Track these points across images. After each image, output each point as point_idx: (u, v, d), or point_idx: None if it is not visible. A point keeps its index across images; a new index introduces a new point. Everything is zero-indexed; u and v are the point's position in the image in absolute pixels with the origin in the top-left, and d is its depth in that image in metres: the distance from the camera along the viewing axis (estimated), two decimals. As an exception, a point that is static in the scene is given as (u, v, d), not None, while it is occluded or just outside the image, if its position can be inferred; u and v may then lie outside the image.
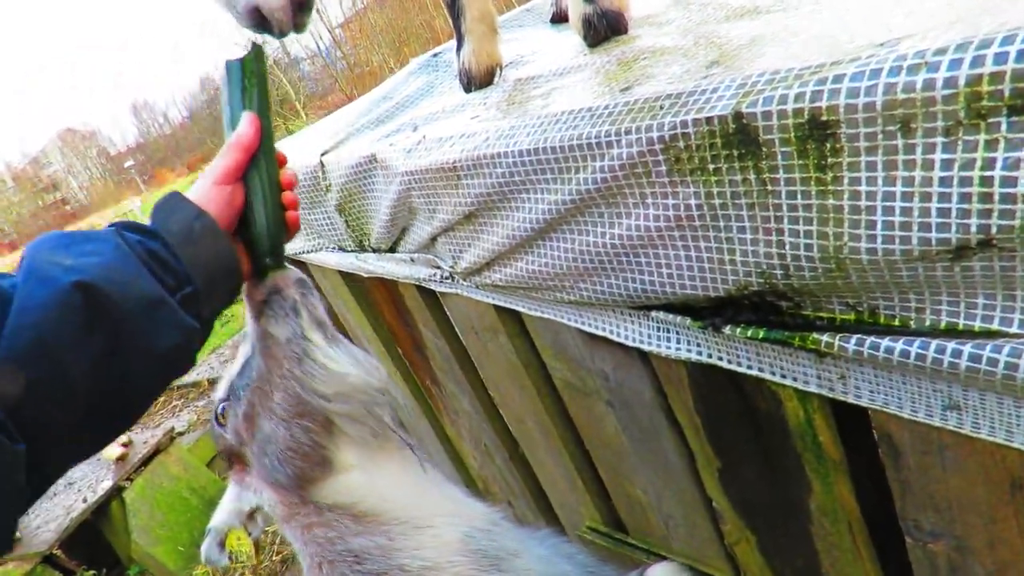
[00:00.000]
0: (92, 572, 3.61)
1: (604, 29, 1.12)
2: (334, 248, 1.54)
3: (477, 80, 1.26)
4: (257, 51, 0.98)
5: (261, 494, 0.97)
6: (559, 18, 1.64)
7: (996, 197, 0.55)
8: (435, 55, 1.77)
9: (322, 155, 1.38)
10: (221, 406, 0.97)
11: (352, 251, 1.48)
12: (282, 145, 2.09)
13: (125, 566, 3.84)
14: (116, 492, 3.68)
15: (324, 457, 0.92)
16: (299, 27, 0.95)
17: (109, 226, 0.80)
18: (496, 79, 1.28)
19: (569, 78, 1.06)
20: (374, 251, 1.41)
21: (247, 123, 0.92)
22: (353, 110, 1.83)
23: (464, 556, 0.89)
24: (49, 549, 3.43)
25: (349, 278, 1.66)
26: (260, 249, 0.93)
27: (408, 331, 1.63)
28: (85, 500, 3.57)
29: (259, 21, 0.93)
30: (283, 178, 0.97)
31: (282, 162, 0.98)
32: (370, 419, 0.95)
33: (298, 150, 1.61)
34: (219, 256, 0.83)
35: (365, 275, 1.50)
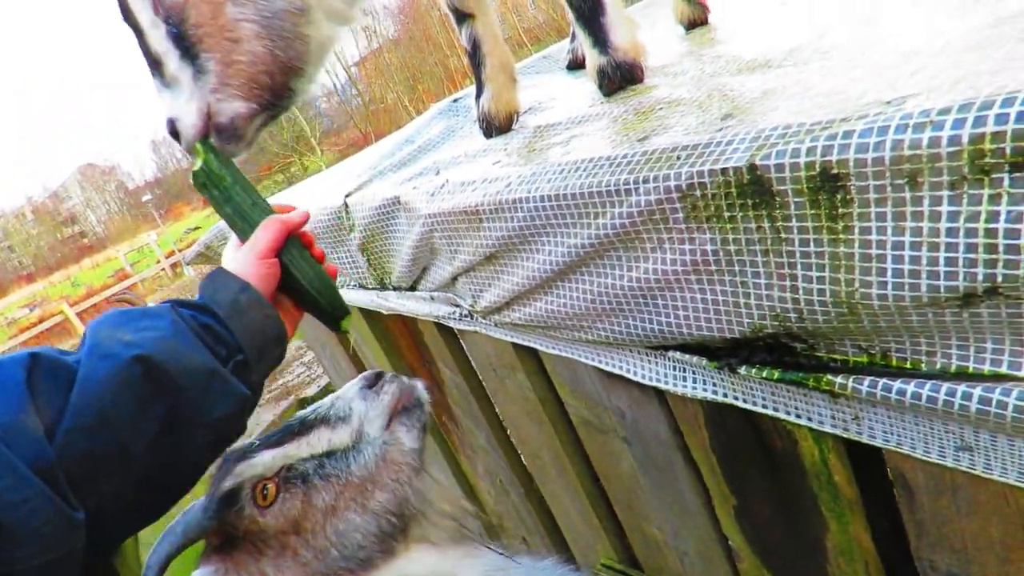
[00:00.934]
0: (102, 606, 3.60)
1: (619, 80, 1.17)
2: (355, 285, 1.58)
3: (497, 126, 1.31)
4: (208, 146, 1.03)
5: None
6: (575, 64, 1.70)
7: (1001, 248, 0.58)
8: (455, 100, 1.82)
9: (346, 196, 1.42)
10: (267, 484, 0.88)
11: (373, 288, 1.52)
12: (307, 185, 2.15)
13: (135, 600, 3.83)
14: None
15: (393, 549, 0.91)
16: (225, 149, 1.03)
17: (164, 303, 0.85)
18: (514, 125, 1.32)
19: (588, 126, 1.10)
20: (395, 289, 1.44)
21: (275, 220, 0.98)
22: (375, 152, 1.88)
23: None
24: (61, 583, 3.42)
25: (369, 315, 1.70)
26: (323, 307, 1.00)
27: (426, 367, 1.66)
28: (98, 533, 3.57)
29: (173, 132, 1.01)
30: (309, 237, 1.02)
31: (302, 222, 1.01)
32: (457, 529, 0.96)
33: (322, 191, 1.66)
34: (266, 324, 0.88)
35: (385, 312, 1.53)
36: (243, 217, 1.01)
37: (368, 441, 0.91)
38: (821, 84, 0.80)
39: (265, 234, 0.95)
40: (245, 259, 0.94)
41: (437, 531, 0.94)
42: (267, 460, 0.89)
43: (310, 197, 1.69)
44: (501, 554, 0.99)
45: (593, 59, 1.18)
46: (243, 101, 1.00)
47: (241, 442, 0.94)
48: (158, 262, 22.33)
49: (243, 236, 1.00)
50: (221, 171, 1.02)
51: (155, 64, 0.99)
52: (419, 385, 0.98)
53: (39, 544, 0.61)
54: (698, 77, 1.08)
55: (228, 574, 0.86)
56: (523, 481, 1.63)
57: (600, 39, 1.16)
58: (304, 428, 0.93)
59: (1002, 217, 0.57)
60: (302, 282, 0.97)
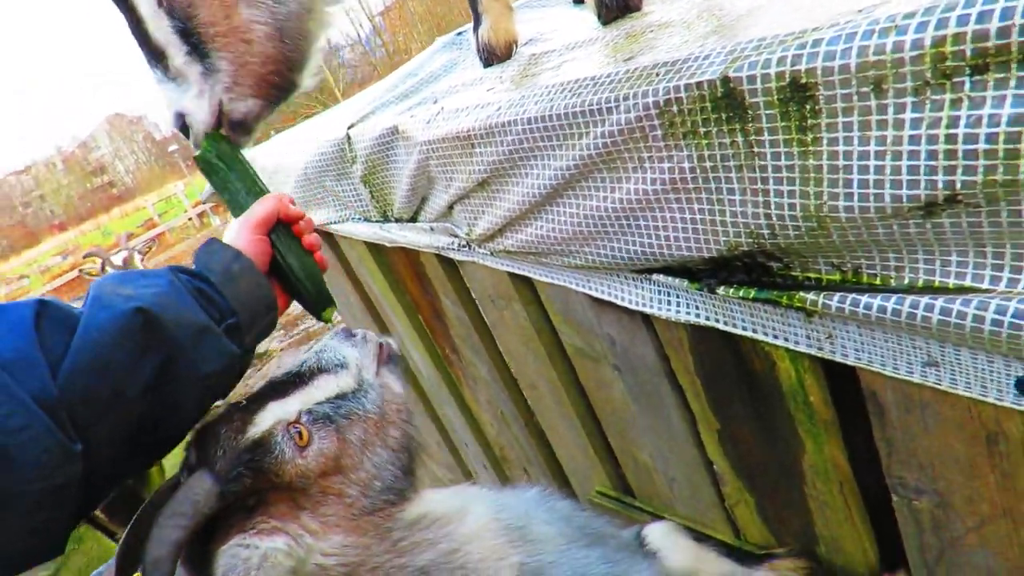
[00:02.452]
0: (132, 534, 3.78)
1: (616, 8, 1.16)
2: (360, 219, 1.61)
3: (496, 55, 1.31)
4: (217, 136, 1.06)
5: (316, 543, 0.83)
6: (581, -2, 1.68)
7: (960, 154, 0.58)
8: (459, 34, 1.82)
9: (348, 128, 1.44)
10: (294, 428, 0.86)
11: (376, 221, 1.55)
12: (313, 122, 2.17)
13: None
14: (160, 468, 3.83)
15: (414, 484, 0.95)
16: (238, 143, 1.08)
17: (162, 267, 0.90)
18: (513, 54, 1.32)
19: (580, 51, 1.10)
20: (396, 221, 1.47)
21: (273, 198, 1.02)
22: (380, 86, 1.89)
23: (501, 536, 0.93)
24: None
25: (374, 249, 1.73)
26: (308, 295, 1.03)
27: (429, 300, 1.70)
28: (126, 465, 3.73)
29: (182, 126, 1.04)
30: (300, 227, 1.04)
31: (299, 215, 1.04)
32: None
33: (327, 126, 1.67)
34: (258, 292, 0.93)
35: (389, 245, 1.56)
36: (238, 203, 1.07)
37: (367, 385, 0.95)
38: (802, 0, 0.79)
39: (259, 209, 1.00)
40: (238, 230, 0.99)
41: (431, 471, 0.98)
42: (288, 406, 0.88)
43: (316, 132, 1.70)
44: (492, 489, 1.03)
45: None
46: (255, 99, 1.03)
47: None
48: (185, 211, 22.61)
49: (236, 214, 1.06)
50: (221, 159, 1.06)
51: (155, 55, 1.01)
52: (392, 341, 1.04)
53: (37, 471, 0.65)
54: (691, 0, 1.07)
55: (281, 535, 0.81)
56: (523, 412, 1.67)
57: None
58: (304, 377, 0.94)
59: (962, 122, 0.57)
60: (285, 266, 1.01)
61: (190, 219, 21.90)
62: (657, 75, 0.79)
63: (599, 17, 1.21)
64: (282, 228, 1.02)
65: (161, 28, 0.99)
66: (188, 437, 0.87)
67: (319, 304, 1.06)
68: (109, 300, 0.78)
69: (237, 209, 1.06)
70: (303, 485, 0.84)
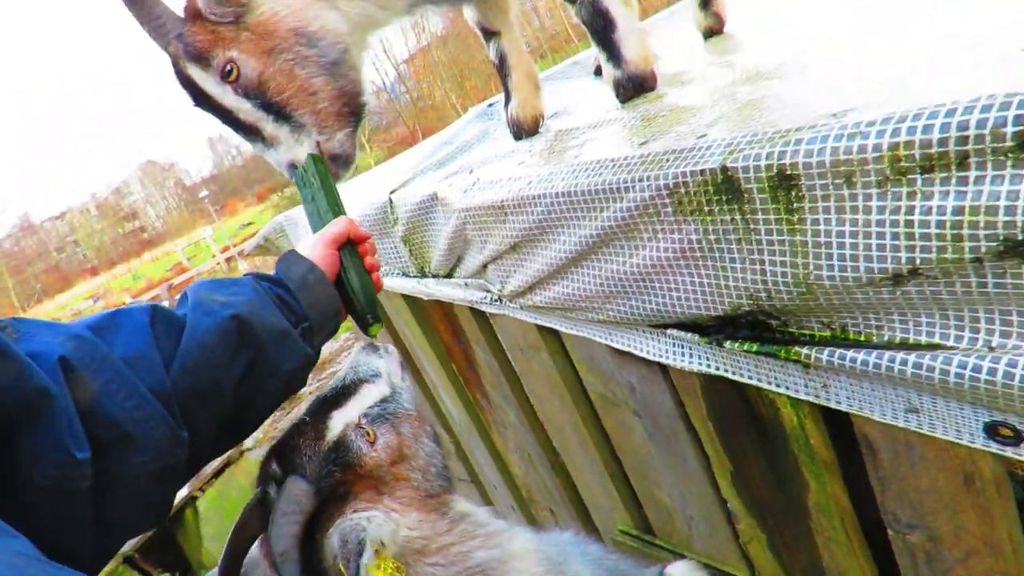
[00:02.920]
0: (167, 575, 3.88)
1: (632, 90, 1.31)
2: (399, 274, 1.75)
3: (525, 129, 1.46)
4: (316, 160, 1.25)
5: (401, 518, 0.95)
6: (601, 71, 1.84)
7: (917, 236, 0.70)
8: (490, 105, 1.98)
9: (391, 193, 1.59)
10: (361, 430, 1.01)
11: (414, 276, 1.69)
12: (355, 183, 2.34)
13: (196, 571, 4.11)
14: (190, 501, 3.96)
15: (450, 474, 1.09)
16: (343, 171, 1.29)
17: (245, 275, 1.04)
18: (540, 127, 1.47)
19: (601, 131, 1.25)
20: (433, 277, 1.61)
21: (346, 220, 1.17)
22: (418, 153, 2.06)
23: (543, 565, 1.03)
24: (130, 551, 3.72)
25: (411, 301, 1.87)
26: (361, 309, 1.15)
27: (462, 349, 1.82)
28: (163, 506, 3.86)
29: (294, 168, 1.25)
30: (363, 248, 1.19)
31: (366, 237, 1.19)
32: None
33: (370, 188, 1.83)
34: (328, 300, 1.07)
35: (425, 298, 1.70)
36: (320, 216, 1.22)
37: (399, 387, 1.09)
38: (792, 97, 0.93)
39: (334, 228, 1.14)
40: (314, 244, 1.13)
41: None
42: (348, 413, 1.04)
43: (359, 194, 1.86)
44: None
45: (609, 72, 1.32)
46: (341, 131, 1.25)
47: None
48: (213, 256, 23.16)
49: (315, 230, 1.21)
50: (316, 177, 1.23)
51: (251, 132, 1.22)
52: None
53: (155, 453, 0.78)
54: (701, 86, 1.21)
55: (376, 510, 0.94)
56: (549, 455, 1.78)
57: (614, 54, 1.29)
58: (350, 389, 1.10)
59: (916, 210, 0.70)
60: (347, 280, 1.14)
61: (218, 264, 22.43)
62: (667, 161, 0.92)
63: (617, 97, 1.36)
64: (350, 247, 1.15)
65: (245, 110, 1.20)
66: (263, 457, 1.02)
67: (368, 319, 1.17)
68: (208, 307, 0.92)
69: (317, 222, 1.22)
70: (380, 474, 0.98)
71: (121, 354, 0.81)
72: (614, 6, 1.27)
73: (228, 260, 21.98)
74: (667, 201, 0.93)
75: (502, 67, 1.46)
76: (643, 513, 1.59)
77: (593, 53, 1.93)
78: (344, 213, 1.24)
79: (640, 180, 0.94)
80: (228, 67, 1.16)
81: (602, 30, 1.27)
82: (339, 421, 1.01)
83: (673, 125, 1.07)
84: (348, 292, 1.14)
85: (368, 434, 1.00)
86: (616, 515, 1.68)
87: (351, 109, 1.26)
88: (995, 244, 0.65)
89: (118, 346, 0.82)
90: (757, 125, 0.88)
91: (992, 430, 0.80)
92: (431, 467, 1.03)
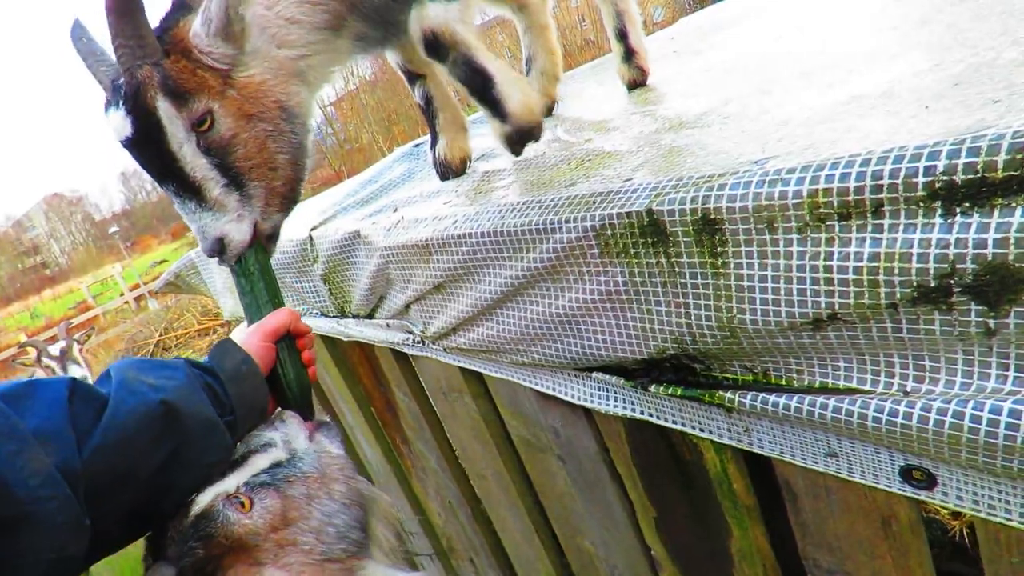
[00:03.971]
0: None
1: (521, 142, 1.32)
2: (317, 313, 1.68)
3: (452, 170, 1.44)
4: (260, 247, 1.21)
5: None
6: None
7: (835, 281, 0.71)
8: (416, 145, 1.97)
9: (311, 230, 1.54)
10: (235, 499, 0.92)
11: (334, 316, 1.63)
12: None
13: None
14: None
15: (371, 536, 1.01)
16: (269, 251, 1.24)
17: (177, 359, 0.99)
18: (468, 168, 1.46)
19: (528, 173, 1.24)
20: (354, 317, 1.55)
21: (287, 312, 1.15)
22: (341, 190, 2.01)
23: None
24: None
25: (329, 342, 1.80)
26: (294, 403, 1.12)
27: (381, 392, 1.76)
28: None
29: (219, 249, 1.16)
30: (302, 341, 1.16)
31: (305, 331, 1.16)
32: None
33: (289, 224, 1.77)
34: (256, 394, 1.03)
35: (344, 339, 1.64)
36: (259, 306, 1.18)
37: (301, 452, 1.02)
38: (714, 144, 0.95)
39: (274, 320, 1.12)
40: (251, 333, 1.10)
41: (386, 540, 1.04)
42: (226, 484, 0.94)
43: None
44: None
45: (496, 127, 1.32)
46: (280, 213, 1.21)
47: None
48: (122, 294, 22.01)
49: (251, 320, 1.18)
50: (255, 266, 1.19)
51: (188, 190, 1.12)
52: (325, 418, 1.12)
53: (54, 540, 0.70)
54: (626, 133, 1.23)
55: None
56: (470, 502, 1.72)
57: (497, 110, 1.28)
58: (236, 462, 0.99)
59: (835, 256, 0.71)
60: (282, 375, 1.11)
61: (127, 303, 21.30)
62: (594, 202, 0.92)
63: (508, 150, 1.35)
64: (288, 340, 1.13)
65: (199, 166, 1.11)
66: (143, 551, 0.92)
67: (301, 413, 1.13)
68: (135, 387, 0.86)
69: (255, 314, 1.18)
70: (256, 542, 0.88)
71: (33, 426, 0.75)
72: (488, 62, 1.28)
73: (138, 299, 20.91)
74: (594, 243, 0.92)
75: (428, 108, 1.44)
76: (565, 561, 1.55)
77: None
78: (283, 304, 1.22)
79: (567, 221, 0.94)
80: (204, 116, 1.09)
81: (481, 87, 1.27)
82: (211, 493, 0.92)
83: (599, 169, 1.08)
84: (283, 386, 1.11)
85: (243, 503, 0.91)
86: (539, 564, 1.63)
87: (294, 195, 1.23)
88: (909, 291, 0.67)
89: (30, 418, 0.76)
90: (682, 170, 0.89)
91: (907, 474, 0.81)
92: (329, 528, 0.94)
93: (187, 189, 1.12)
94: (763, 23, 1.90)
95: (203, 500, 0.92)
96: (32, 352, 5.68)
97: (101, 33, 1.13)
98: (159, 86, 1.05)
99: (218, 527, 0.88)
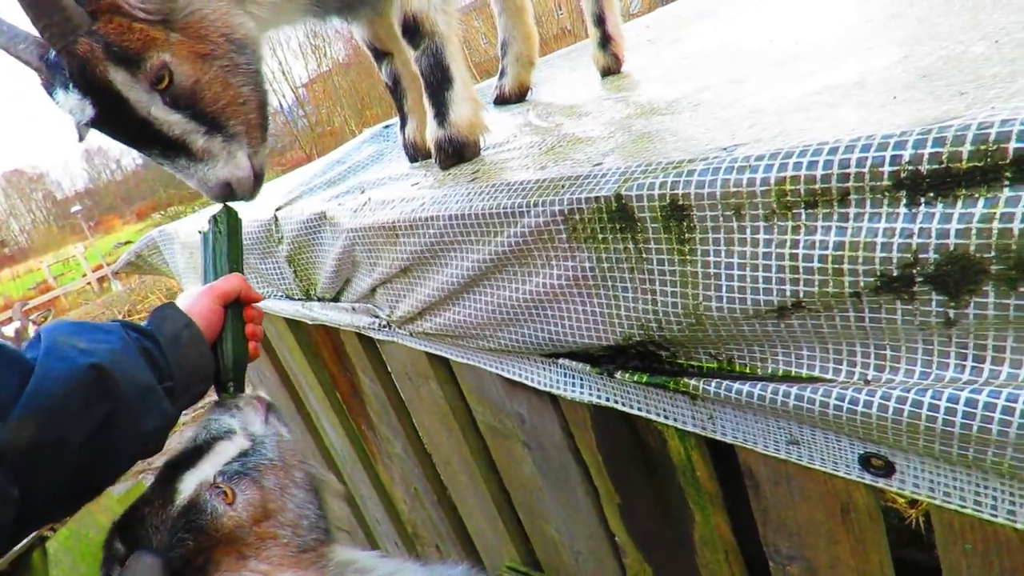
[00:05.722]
0: (6, 627, 3.47)
1: (452, 154, 1.28)
2: (282, 296, 1.65)
3: (421, 152, 1.42)
4: (235, 216, 1.20)
5: None
6: (501, 100, 1.84)
7: (801, 269, 0.71)
8: (386, 127, 1.94)
9: (276, 210, 1.51)
10: (218, 490, 0.91)
11: (299, 299, 1.60)
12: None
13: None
14: (39, 542, 3.57)
15: (330, 520, 1.01)
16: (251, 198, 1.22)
17: (113, 321, 0.94)
18: (437, 152, 1.44)
19: (500, 155, 1.23)
20: (319, 300, 1.53)
21: (239, 278, 1.13)
22: (308, 171, 1.97)
23: None
24: (-38, 601, 3.30)
25: (294, 325, 1.77)
26: (225, 375, 1.09)
27: (347, 376, 1.74)
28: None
29: (228, 193, 1.16)
30: (251, 312, 1.13)
31: (256, 299, 1.14)
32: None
33: (254, 205, 1.73)
34: (200, 360, 1.00)
35: (310, 322, 1.61)
36: (215, 268, 1.16)
37: (260, 437, 1.00)
38: (685, 131, 0.94)
39: (225, 283, 1.09)
40: (201, 295, 1.06)
41: (341, 512, 1.03)
42: (203, 472, 0.94)
43: (242, 210, 1.76)
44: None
45: (432, 130, 1.29)
46: (263, 144, 1.18)
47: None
48: (84, 275, 21.51)
49: (206, 280, 1.15)
50: (223, 228, 1.17)
51: (174, 149, 1.09)
52: (263, 393, 1.12)
53: None
54: (597, 119, 1.22)
55: None
56: (436, 488, 1.71)
57: (441, 112, 1.26)
58: (203, 448, 0.98)
59: (801, 244, 0.71)
60: (221, 340, 1.08)
61: (89, 283, 20.84)
62: (563, 187, 0.91)
63: (437, 161, 1.32)
64: (235, 307, 1.10)
65: (174, 123, 1.07)
66: (106, 536, 0.89)
67: (231, 386, 1.11)
68: (64, 351, 0.82)
69: (211, 275, 1.14)
70: (242, 535, 0.88)
71: None
72: (456, 65, 1.26)
73: (100, 280, 20.47)
74: (562, 227, 0.91)
75: (395, 89, 1.42)
76: (531, 548, 1.55)
77: (493, 83, 1.93)
78: (241, 270, 1.19)
79: (535, 205, 0.93)
80: (161, 73, 1.03)
81: (437, 85, 1.25)
82: (191, 482, 0.90)
83: (570, 153, 1.07)
84: (217, 353, 1.08)
85: (226, 493, 0.90)
86: (503, 550, 1.63)
87: (265, 122, 1.20)
88: (872, 280, 0.67)
89: None
90: (651, 156, 0.89)
91: (866, 461, 0.82)
92: (303, 519, 0.94)
93: (171, 149, 1.09)
94: (740, 14, 1.90)
95: (186, 489, 0.91)
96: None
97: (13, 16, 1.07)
98: (104, 56, 1.00)
99: (208, 519, 0.87)
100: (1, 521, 0.72)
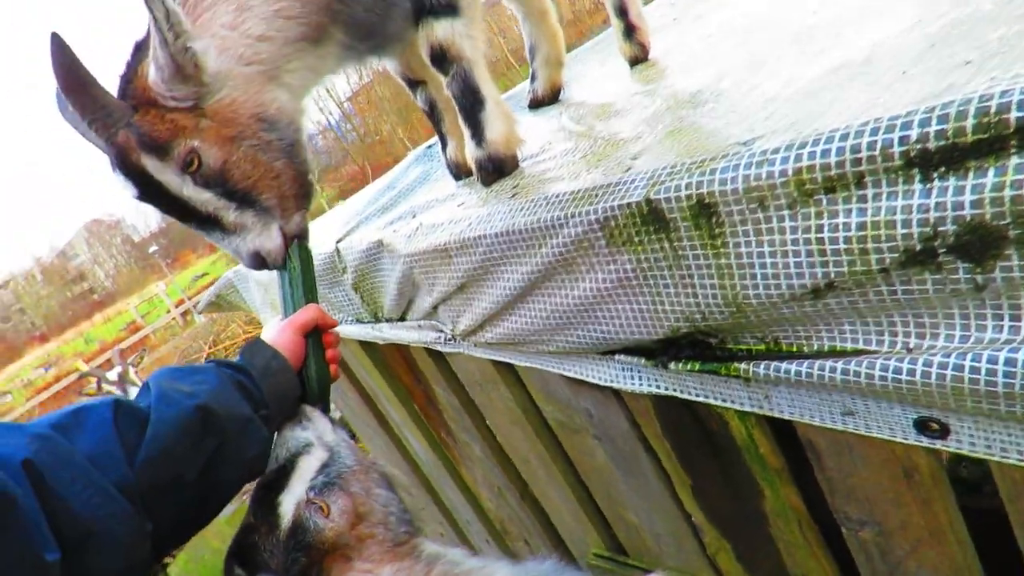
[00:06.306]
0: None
1: (492, 171, 1.34)
2: (353, 320, 1.75)
3: (464, 171, 1.49)
4: (307, 252, 1.28)
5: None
6: (535, 103, 1.89)
7: (828, 252, 0.75)
8: (429, 147, 2.02)
9: (337, 242, 1.61)
10: (314, 505, 0.98)
11: (368, 322, 1.70)
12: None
13: (171, 640, 3.97)
14: (162, 568, 3.85)
15: (411, 517, 1.08)
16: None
17: (208, 362, 1.06)
18: (479, 168, 1.50)
19: (538, 166, 1.28)
20: (387, 321, 1.62)
21: (316, 308, 1.22)
22: (362, 198, 2.07)
23: None
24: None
25: (367, 346, 1.87)
26: (312, 398, 1.18)
27: (421, 389, 1.83)
28: (132, 576, 3.75)
29: (260, 262, 1.23)
30: (329, 338, 1.22)
31: (332, 324, 1.23)
32: None
33: (317, 236, 1.84)
34: (288, 387, 1.10)
35: (381, 342, 1.71)
36: (293, 301, 1.25)
37: (335, 445, 1.08)
38: (707, 125, 0.98)
39: (304, 314, 1.19)
40: (282, 328, 1.17)
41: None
42: (297, 491, 1.01)
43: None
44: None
45: (471, 150, 1.35)
46: (299, 211, 1.25)
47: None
48: (168, 311, 22.62)
49: (286, 314, 1.24)
50: (295, 265, 1.26)
51: (209, 223, 1.18)
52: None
53: (119, 551, 0.78)
54: (625, 118, 1.26)
55: None
56: (518, 485, 1.79)
57: (477, 132, 1.32)
58: (287, 467, 1.05)
59: (825, 228, 0.74)
60: (306, 366, 1.18)
61: (174, 318, 21.91)
62: (596, 196, 0.96)
63: (479, 179, 1.38)
64: (316, 335, 1.19)
65: (205, 200, 1.17)
66: (223, 566, 1.00)
67: (319, 408, 1.19)
68: (172, 397, 0.93)
69: (290, 306, 1.24)
70: (344, 541, 0.97)
71: (85, 451, 0.82)
72: (486, 85, 1.31)
73: (184, 314, 21.49)
74: (600, 234, 0.96)
75: (432, 113, 1.49)
76: (613, 534, 1.61)
77: (526, 87, 1.98)
78: (316, 300, 1.27)
79: (572, 216, 0.98)
80: (190, 157, 1.13)
81: (470, 107, 1.30)
82: (289, 504, 0.98)
83: (601, 159, 1.11)
84: (304, 379, 1.17)
85: (322, 508, 0.98)
86: (588, 539, 1.69)
87: (306, 190, 1.26)
88: (897, 255, 0.70)
89: (82, 443, 0.83)
90: (676, 156, 0.93)
91: (922, 425, 0.84)
92: (391, 516, 1.02)
93: (206, 222, 1.18)
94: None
95: (286, 512, 0.98)
96: (93, 381, 5.94)
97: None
98: (138, 146, 1.10)
99: (313, 535, 0.96)
100: (142, 554, 0.83)
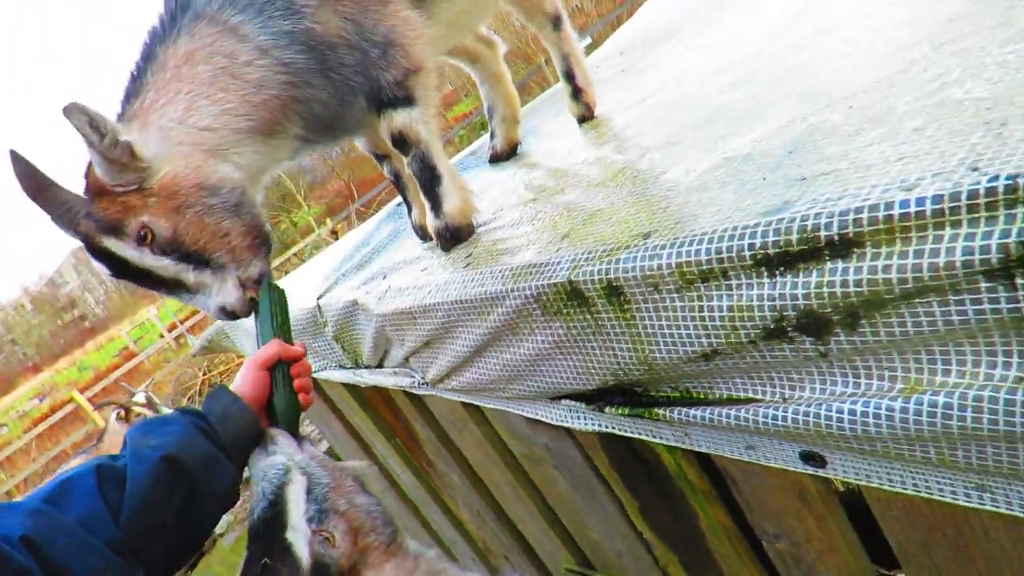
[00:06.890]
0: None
1: (450, 239, 1.51)
2: (336, 366, 1.92)
3: (427, 235, 1.66)
4: (279, 291, 1.40)
5: None
6: (495, 158, 2.06)
7: (710, 327, 0.92)
8: (399, 205, 2.19)
9: (318, 298, 1.78)
10: (320, 537, 1.07)
11: (350, 368, 1.86)
12: (288, 281, 2.51)
13: (181, 667, 4.10)
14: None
15: (391, 516, 1.19)
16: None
17: (175, 411, 1.20)
18: (441, 230, 1.68)
19: (492, 233, 1.46)
20: (366, 367, 1.79)
21: (277, 343, 1.32)
22: (339, 252, 2.24)
23: None
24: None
25: (351, 387, 2.04)
26: (282, 423, 1.29)
27: (403, 425, 2.00)
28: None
29: (228, 314, 1.37)
30: (296, 368, 1.33)
31: (298, 355, 1.34)
32: None
33: (300, 292, 2.01)
34: (247, 428, 1.21)
35: (363, 385, 1.88)
36: (262, 337, 1.37)
37: (306, 464, 1.19)
38: (620, 212, 1.15)
39: (264, 351, 1.30)
40: (245, 365, 1.30)
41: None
42: (300, 526, 1.11)
43: (291, 297, 2.03)
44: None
45: (431, 221, 1.52)
46: (256, 259, 1.38)
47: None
48: (161, 336, 22.63)
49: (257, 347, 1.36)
50: (264, 305, 1.38)
51: (175, 286, 1.33)
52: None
53: None
54: (566, 193, 1.44)
55: None
56: (494, 509, 1.96)
57: (436, 205, 1.49)
58: (278, 501, 1.14)
59: (705, 309, 0.92)
60: (274, 399, 1.29)
61: (167, 343, 21.91)
62: (530, 274, 1.13)
63: (439, 246, 1.55)
64: (283, 367, 1.30)
65: (165, 267, 1.31)
66: None
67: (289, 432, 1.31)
68: (142, 453, 1.06)
69: (259, 344, 1.37)
70: (354, 560, 1.09)
71: (75, 517, 0.97)
72: (442, 163, 1.47)
73: (177, 338, 21.52)
74: (535, 306, 1.14)
75: (398, 183, 1.66)
76: (581, 551, 1.78)
77: (486, 142, 2.16)
78: (289, 334, 1.39)
79: (513, 290, 1.15)
80: (143, 232, 1.27)
81: (428, 183, 1.48)
82: (299, 542, 1.07)
83: (540, 234, 1.29)
84: (270, 410, 1.29)
85: (328, 539, 1.08)
86: (559, 555, 1.86)
87: (260, 239, 1.39)
88: (759, 331, 0.87)
89: (71, 510, 0.98)
90: (593, 241, 1.10)
91: (807, 457, 1.01)
92: (377, 520, 1.14)
93: (170, 286, 1.33)
94: (690, 44, 2.08)
95: (300, 551, 1.06)
96: (117, 410, 6.01)
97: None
98: (98, 231, 1.26)
99: (332, 567, 1.06)
100: None
